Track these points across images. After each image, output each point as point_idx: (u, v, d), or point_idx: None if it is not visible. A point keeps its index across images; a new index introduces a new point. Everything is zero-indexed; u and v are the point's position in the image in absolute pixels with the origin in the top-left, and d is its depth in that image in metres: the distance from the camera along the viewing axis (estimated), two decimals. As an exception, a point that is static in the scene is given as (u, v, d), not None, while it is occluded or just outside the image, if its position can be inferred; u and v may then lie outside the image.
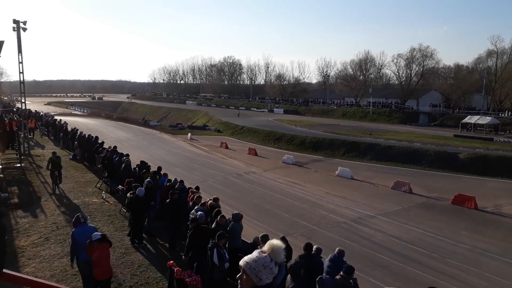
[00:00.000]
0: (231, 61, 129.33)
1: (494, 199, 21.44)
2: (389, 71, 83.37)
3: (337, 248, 8.02)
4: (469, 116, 50.85)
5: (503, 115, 53.84)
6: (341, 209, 19.43)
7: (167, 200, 11.49)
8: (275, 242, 2.29)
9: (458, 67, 73.83)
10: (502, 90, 58.91)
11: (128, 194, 12.25)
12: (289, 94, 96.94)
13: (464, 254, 14.13)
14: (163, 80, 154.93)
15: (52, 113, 56.72)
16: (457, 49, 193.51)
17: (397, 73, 77.18)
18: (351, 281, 6.77)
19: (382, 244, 14.89)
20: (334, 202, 20.57)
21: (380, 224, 17.18)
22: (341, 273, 6.78)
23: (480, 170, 27.78)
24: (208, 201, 11.37)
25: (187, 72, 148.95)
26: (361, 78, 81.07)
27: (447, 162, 29.90)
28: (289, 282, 6.36)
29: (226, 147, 38.87)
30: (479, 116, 50.06)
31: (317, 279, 5.54)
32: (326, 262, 7.94)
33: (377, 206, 19.99)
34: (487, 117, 49.32)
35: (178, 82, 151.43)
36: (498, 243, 15.29)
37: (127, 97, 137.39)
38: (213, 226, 9.14)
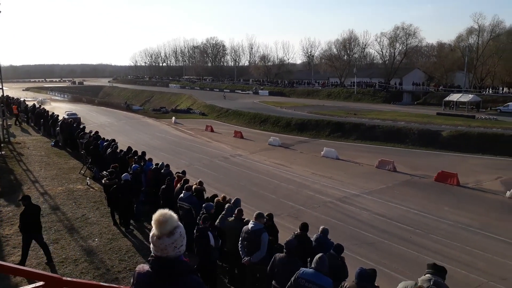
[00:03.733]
0: (214, 42, 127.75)
1: (476, 175, 21.99)
2: (373, 50, 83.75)
3: (321, 227, 8.04)
4: (451, 94, 51.58)
5: (484, 92, 54.73)
6: (327, 189, 19.66)
7: (163, 186, 11.34)
8: (154, 215, 2.46)
9: (441, 45, 74.37)
10: (483, 68, 59.76)
11: (104, 180, 12.21)
12: (274, 75, 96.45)
13: (447, 229, 14.52)
14: (145, 63, 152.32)
15: (69, 115, 37.38)
16: (440, 27, 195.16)
17: (381, 52, 77.57)
18: (339, 259, 6.87)
19: (368, 222, 15.17)
20: (320, 182, 20.79)
21: (365, 203, 17.48)
22: (331, 251, 6.85)
23: (462, 147, 28.40)
24: (193, 185, 11.27)
25: (169, 54, 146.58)
26: (345, 58, 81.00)
27: (430, 140, 30.44)
28: (284, 258, 6.38)
29: (212, 131, 38.67)
30: (461, 94, 50.81)
31: (319, 256, 5.57)
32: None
33: (362, 185, 20.29)
34: (469, 95, 50.08)
35: (160, 64, 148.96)
36: (479, 218, 15.76)
37: (109, 81, 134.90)
38: (231, 219, 8.50)
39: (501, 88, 55.87)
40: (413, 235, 13.91)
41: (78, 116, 39.67)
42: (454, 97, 49.74)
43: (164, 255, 2.42)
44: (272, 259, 6.56)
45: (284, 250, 6.45)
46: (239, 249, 7.70)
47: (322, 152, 27.84)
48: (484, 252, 12.61)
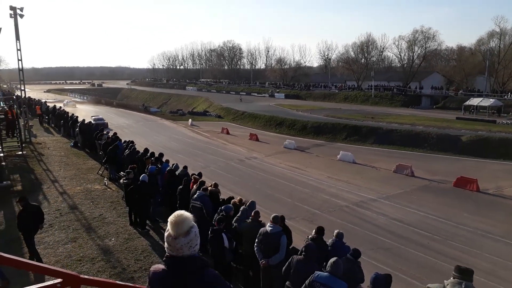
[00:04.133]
0: (230, 45, 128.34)
1: (496, 181, 21.43)
2: (391, 53, 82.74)
3: (335, 231, 7.96)
4: (471, 98, 50.42)
5: (506, 96, 53.37)
6: (343, 193, 19.46)
7: (180, 187, 11.47)
8: (171, 216, 2.50)
9: (461, 49, 72.93)
10: (505, 72, 58.27)
11: (122, 180, 12.35)
12: (290, 78, 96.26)
13: (466, 236, 14.18)
14: (163, 65, 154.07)
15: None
16: (460, 30, 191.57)
17: (399, 56, 76.49)
18: (356, 263, 6.81)
19: (384, 227, 14.94)
20: (336, 186, 20.60)
21: (382, 208, 17.22)
22: (348, 255, 6.80)
23: (482, 152, 27.70)
24: (209, 187, 11.33)
25: (186, 57, 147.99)
26: (362, 61, 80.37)
27: (449, 145, 29.83)
28: (301, 261, 6.37)
29: (227, 133, 38.82)
30: (481, 98, 49.62)
31: (334, 260, 5.55)
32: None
33: (379, 189, 20.01)
34: (490, 99, 48.87)
35: (178, 67, 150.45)
36: (499, 225, 15.33)
37: (127, 84, 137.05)
38: (249, 221, 8.51)
39: (523, 93, 54.40)
40: (431, 241, 13.62)
41: (105, 121, 37.42)
42: (475, 101, 48.59)
43: (180, 254, 2.47)
44: (290, 260, 6.56)
45: (303, 253, 6.45)
46: (255, 251, 7.68)
47: (338, 156, 27.60)
48: (505, 260, 12.25)
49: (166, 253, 2.54)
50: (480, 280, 10.73)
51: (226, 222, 8.62)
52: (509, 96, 53.34)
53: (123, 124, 43.54)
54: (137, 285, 3.95)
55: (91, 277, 2.96)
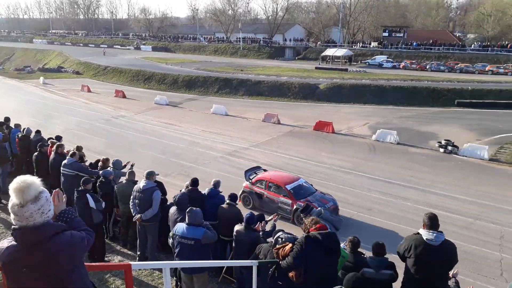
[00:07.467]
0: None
1: (348, 122, 24.62)
2: (257, 5, 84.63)
3: (213, 180, 8.24)
4: (327, 49, 55.44)
5: (355, 47, 60.03)
6: (217, 144, 19.97)
7: (35, 153, 10.14)
8: (12, 183, 2.30)
9: (319, 2, 78.69)
10: (355, 24, 65.30)
11: None
12: (157, 29, 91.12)
13: (324, 172, 16.16)
14: (1, 15, 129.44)
15: None
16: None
17: (264, 8, 78.91)
18: (236, 206, 7.31)
19: (256, 172, 15.93)
20: (210, 139, 20.97)
21: (253, 155, 18.31)
22: (228, 201, 7.29)
23: (337, 98, 31.36)
24: (71, 150, 10.28)
25: (31, 5, 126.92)
26: (230, 12, 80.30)
27: (309, 93, 32.79)
28: (176, 214, 6.52)
29: (89, 91, 35.54)
30: (336, 49, 54.93)
31: (189, 210, 5.70)
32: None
33: (250, 138, 21.10)
34: (343, 49, 54.45)
35: (21, 17, 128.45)
36: (350, 160, 17.86)
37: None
38: (124, 181, 8.21)
39: (369, 43, 61.75)
40: (296, 181, 15.10)
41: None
42: (330, 51, 53.56)
43: (30, 223, 2.25)
44: (169, 212, 6.71)
45: (175, 204, 6.60)
46: (131, 207, 7.57)
47: (211, 109, 27.89)
48: (354, 189, 14.45)
49: (13, 226, 2.32)
50: (335, 208, 12.45)
51: (105, 185, 8.26)
52: (358, 46, 60.12)
53: (-48, 85, 36.02)
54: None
55: None
